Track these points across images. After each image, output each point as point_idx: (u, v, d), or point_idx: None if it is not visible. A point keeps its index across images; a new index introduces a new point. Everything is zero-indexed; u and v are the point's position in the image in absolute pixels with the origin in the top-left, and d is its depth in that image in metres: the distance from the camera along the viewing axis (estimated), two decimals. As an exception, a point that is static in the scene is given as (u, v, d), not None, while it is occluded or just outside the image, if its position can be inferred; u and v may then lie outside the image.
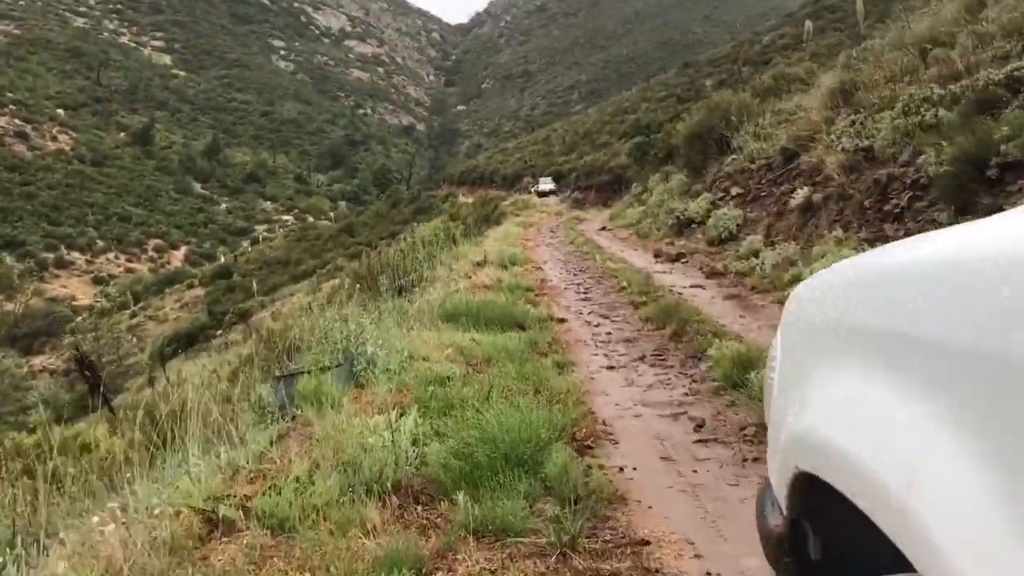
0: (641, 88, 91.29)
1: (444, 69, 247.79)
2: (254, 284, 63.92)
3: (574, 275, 14.42)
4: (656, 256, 15.76)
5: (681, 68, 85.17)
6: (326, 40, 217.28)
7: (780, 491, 1.58)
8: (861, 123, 12.87)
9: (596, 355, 7.65)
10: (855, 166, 11.72)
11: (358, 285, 11.34)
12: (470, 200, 65.09)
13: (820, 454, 1.37)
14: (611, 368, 7.04)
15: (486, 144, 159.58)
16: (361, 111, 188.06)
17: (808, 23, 30.28)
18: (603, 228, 25.81)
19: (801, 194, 12.45)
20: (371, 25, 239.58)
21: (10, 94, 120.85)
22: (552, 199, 51.12)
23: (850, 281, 1.55)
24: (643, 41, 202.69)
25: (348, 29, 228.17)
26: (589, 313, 10.16)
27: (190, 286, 77.13)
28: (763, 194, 14.99)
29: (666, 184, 24.79)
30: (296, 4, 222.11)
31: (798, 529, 1.56)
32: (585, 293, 12.04)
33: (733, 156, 19.06)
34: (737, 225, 14.82)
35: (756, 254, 12.30)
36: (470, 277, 12.57)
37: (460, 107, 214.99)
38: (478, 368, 6.54)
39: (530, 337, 8.00)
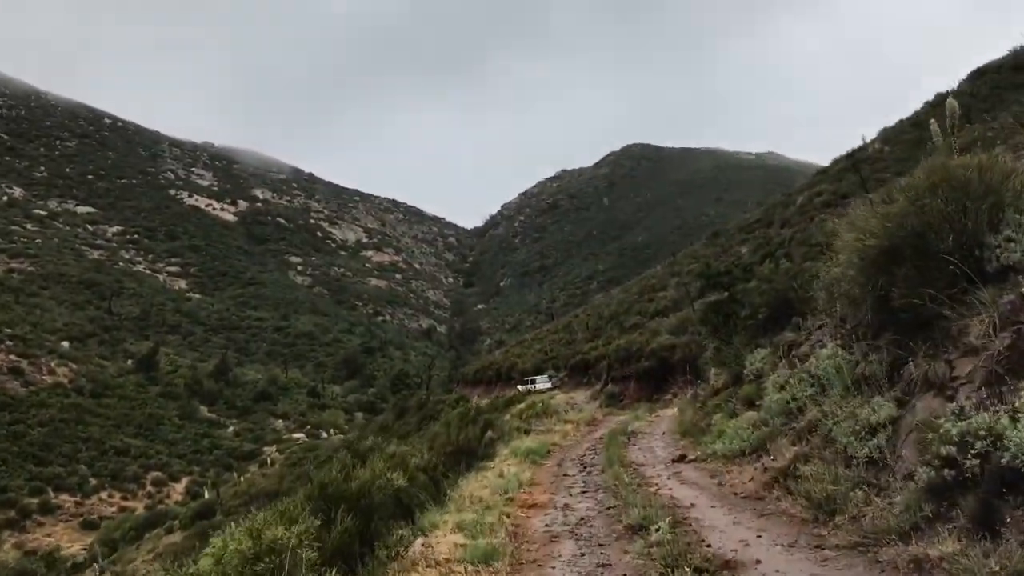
0: (667, 263, 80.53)
1: (462, 271, 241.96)
2: (233, 527, 50.79)
3: None
4: None
5: (710, 238, 74.62)
6: (343, 252, 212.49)
7: None
8: None
9: None
10: None
11: None
12: (484, 402, 52.94)
13: None
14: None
15: (508, 340, 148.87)
16: (380, 318, 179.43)
17: (952, 102, 19.71)
18: (681, 458, 13.25)
19: None
20: (387, 235, 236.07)
21: (8, 330, 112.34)
22: (579, 397, 38.79)
23: None
24: (657, 227, 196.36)
25: (365, 240, 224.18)
26: None
27: (169, 530, 63.77)
28: None
29: (792, 367, 12.48)
30: (312, 221, 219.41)
31: None
32: None
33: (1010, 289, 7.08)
34: None
35: None
36: None
37: (480, 306, 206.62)
38: None
39: None
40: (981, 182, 8.63)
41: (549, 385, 49.67)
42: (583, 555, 7.53)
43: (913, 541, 5.89)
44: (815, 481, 7.79)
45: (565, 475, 13.53)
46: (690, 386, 22.70)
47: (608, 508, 9.78)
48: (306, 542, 6.34)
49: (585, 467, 14.21)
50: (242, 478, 77.68)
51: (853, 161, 66.06)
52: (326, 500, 8.13)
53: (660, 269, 78.14)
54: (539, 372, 58.35)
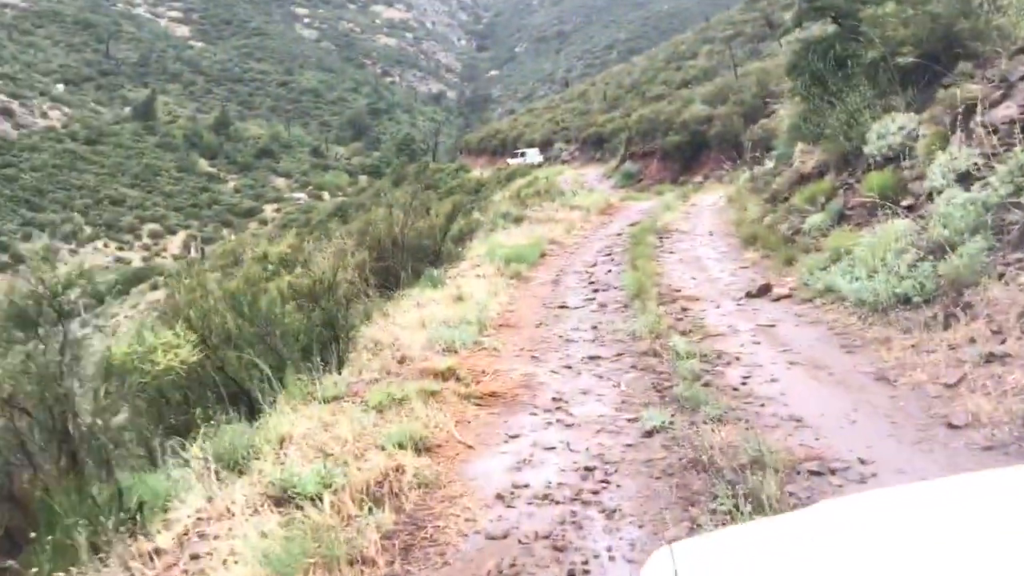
0: (699, 28, 71.37)
1: (476, 33, 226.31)
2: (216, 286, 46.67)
3: None
4: None
5: (748, 2, 65.16)
6: (352, 6, 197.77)
7: None
8: None
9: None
10: None
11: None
12: (485, 174, 47.45)
13: None
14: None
15: (520, 109, 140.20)
16: (388, 79, 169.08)
17: None
18: (764, 291, 7.53)
19: None
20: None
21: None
22: (591, 174, 32.94)
23: None
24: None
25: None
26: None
27: (153, 286, 60.05)
28: None
29: (980, 143, 6.48)
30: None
31: None
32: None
33: None
34: None
35: None
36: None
37: (493, 72, 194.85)
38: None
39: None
40: None
41: (540, 160, 48.24)
42: None
43: None
44: None
45: (562, 307, 7.99)
46: (745, 165, 16.69)
47: (649, 432, 4.21)
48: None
49: (596, 291, 8.63)
50: (232, 237, 73.43)
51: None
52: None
53: (690, 35, 69.30)
54: (550, 144, 52.88)
